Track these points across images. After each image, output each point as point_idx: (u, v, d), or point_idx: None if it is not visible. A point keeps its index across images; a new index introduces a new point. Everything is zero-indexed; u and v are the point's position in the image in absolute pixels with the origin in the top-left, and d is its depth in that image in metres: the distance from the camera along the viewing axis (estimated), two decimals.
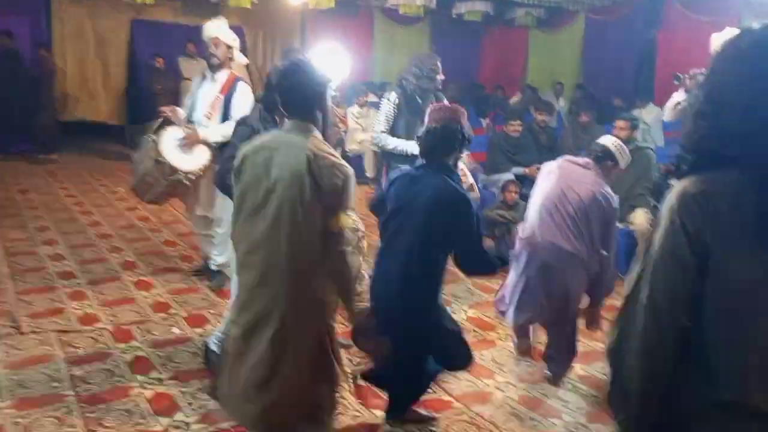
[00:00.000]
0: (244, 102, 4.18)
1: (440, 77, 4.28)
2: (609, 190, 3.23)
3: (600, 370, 3.45)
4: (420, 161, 2.77)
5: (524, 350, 3.70)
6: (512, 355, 3.77)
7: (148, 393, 3.16)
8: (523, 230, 3.40)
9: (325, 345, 2.30)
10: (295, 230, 2.15)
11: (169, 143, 4.16)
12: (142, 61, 10.27)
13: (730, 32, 4.46)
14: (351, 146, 8.62)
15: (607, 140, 3.47)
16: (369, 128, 7.66)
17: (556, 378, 3.37)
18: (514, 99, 11.62)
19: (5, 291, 4.33)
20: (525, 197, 4.64)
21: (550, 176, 3.35)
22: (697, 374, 1.22)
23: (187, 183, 4.22)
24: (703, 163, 1.25)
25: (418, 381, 2.84)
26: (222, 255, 4.45)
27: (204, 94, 4.34)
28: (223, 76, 4.30)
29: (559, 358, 3.38)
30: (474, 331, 4.09)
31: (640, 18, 10.36)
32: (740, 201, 1.16)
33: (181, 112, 4.40)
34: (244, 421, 2.43)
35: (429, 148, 2.71)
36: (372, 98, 8.93)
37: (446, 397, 3.23)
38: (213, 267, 4.62)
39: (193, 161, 4.21)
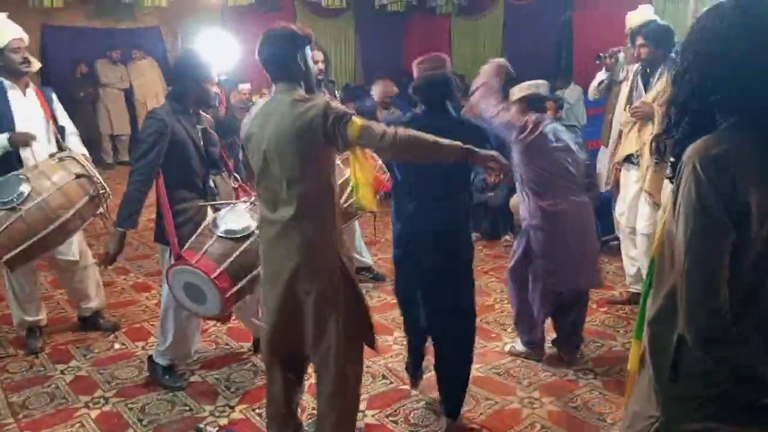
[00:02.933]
0: (63, 112, 3.71)
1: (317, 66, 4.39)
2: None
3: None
4: (419, 110, 2.78)
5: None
6: (527, 362, 3.46)
7: (94, 413, 3.04)
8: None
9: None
10: (297, 183, 2.25)
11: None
12: (54, 68, 9.79)
13: (645, 10, 4.62)
14: None
15: (523, 89, 3.40)
16: None
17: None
18: None
19: None
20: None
21: (555, 142, 3.28)
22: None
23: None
24: (699, 123, 1.31)
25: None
26: (90, 300, 3.91)
27: (23, 112, 3.48)
28: (29, 84, 3.58)
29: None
30: (478, 342, 3.60)
31: (555, 0, 10.68)
32: (757, 153, 1.23)
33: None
34: None
35: (432, 97, 2.72)
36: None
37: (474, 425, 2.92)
38: (86, 314, 3.95)
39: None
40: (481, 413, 2.98)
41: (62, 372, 3.44)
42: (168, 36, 10.62)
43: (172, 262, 2.92)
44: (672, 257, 1.32)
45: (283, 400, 2.52)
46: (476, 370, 3.37)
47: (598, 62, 4.78)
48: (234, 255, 2.78)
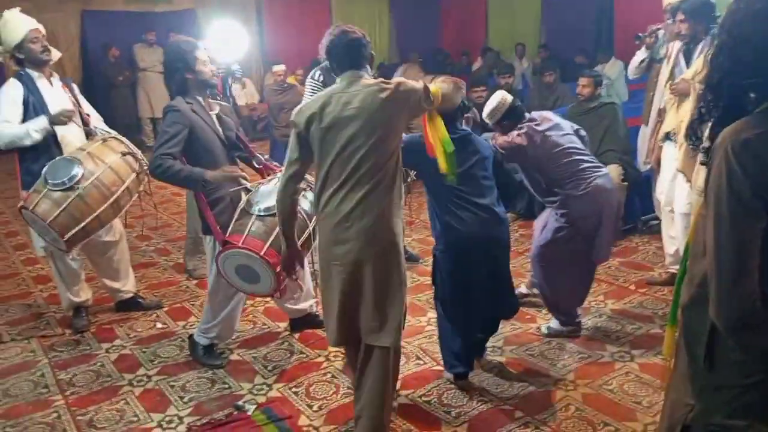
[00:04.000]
0: (84, 100, 3.83)
1: None
2: None
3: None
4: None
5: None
6: (561, 344, 3.43)
7: (138, 391, 3.15)
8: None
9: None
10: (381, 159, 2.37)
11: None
12: (94, 53, 9.97)
13: None
14: None
15: (491, 114, 3.49)
16: None
17: None
18: (476, 65, 11.59)
19: None
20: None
21: (555, 129, 3.36)
22: None
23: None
24: (733, 106, 1.29)
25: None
26: (128, 279, 4.03)
27: (53, 100, 3.55)
28: (52, 74, 3.68)
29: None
30: (512, 323, 3.63)
31: None
32: None
33: None
34: None
35: (451, 116, 2.96)
36: None
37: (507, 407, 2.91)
38: (125, 297, 4.04)
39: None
40: (515, 395, 2.98)
41: (107, 350, 3.57)
42: (203, 19, 10.69)
43: (219, 249, 2.97)
44: (705, 244, 1.29)
45: None
46: (510, 351, 3.37)
47: (637, 42, 4.65)
48: (277, 230, 2.83)
